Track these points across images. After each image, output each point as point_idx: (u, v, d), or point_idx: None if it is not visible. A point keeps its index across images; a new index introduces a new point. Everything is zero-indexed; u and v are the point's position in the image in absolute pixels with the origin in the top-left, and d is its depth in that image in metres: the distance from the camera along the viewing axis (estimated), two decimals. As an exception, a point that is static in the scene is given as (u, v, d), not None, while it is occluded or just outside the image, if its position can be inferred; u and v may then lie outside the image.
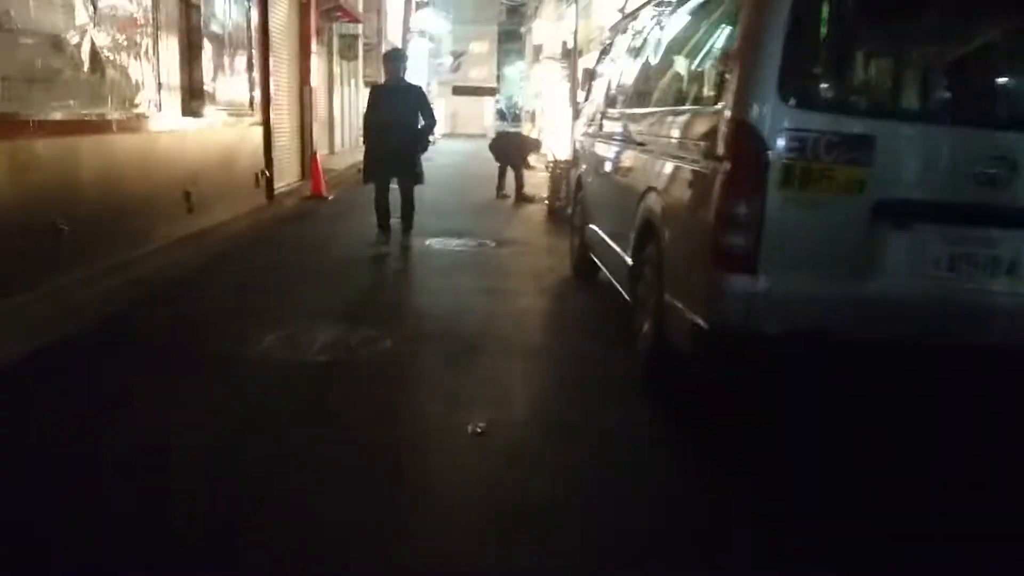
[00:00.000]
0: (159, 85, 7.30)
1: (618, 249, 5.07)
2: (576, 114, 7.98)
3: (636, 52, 5.31)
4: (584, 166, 6.76)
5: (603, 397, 4.14)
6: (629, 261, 4.71)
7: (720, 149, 3.27)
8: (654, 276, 4.13)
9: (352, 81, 22.75)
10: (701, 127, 3.53)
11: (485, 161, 22.24)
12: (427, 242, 8.46)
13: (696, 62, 4.01)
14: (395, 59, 8.28)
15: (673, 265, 3.84)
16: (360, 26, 21.72)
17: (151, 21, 7.12)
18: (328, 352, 4.69)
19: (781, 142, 3.10)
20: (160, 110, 7.35)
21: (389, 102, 7.85)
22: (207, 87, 8.46)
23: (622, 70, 5.64)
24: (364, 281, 6.79)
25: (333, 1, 16.44)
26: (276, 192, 11.47)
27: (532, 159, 14.29)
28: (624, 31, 5.99)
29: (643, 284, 4.43)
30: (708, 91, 3.64)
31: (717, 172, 3.27)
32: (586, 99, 7.54)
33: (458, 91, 46.21)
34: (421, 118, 7.91)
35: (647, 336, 4.30)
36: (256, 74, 10.42)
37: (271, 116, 11.07)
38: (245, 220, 9.32)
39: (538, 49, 34.74)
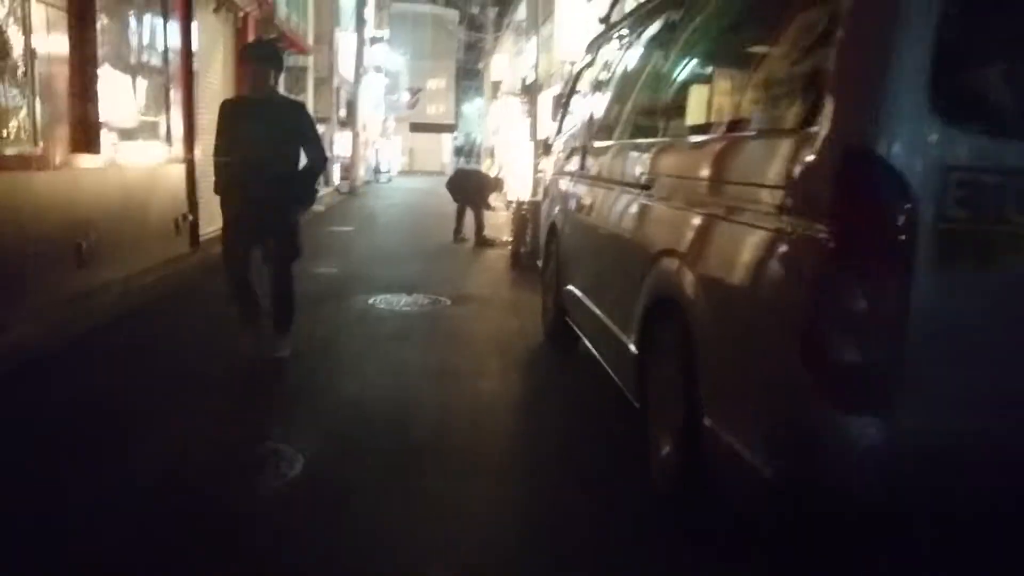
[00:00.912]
0: (34, 116, 5.81)
1: (613, 327, 3.72)
2: (544, 149, 6.64)
3: (638, 64, 4.00)
4: (558, 211, 5.43)
5: (615, 561, 2.75)
6: (632, 348, 3.34)
7: (820, 199, 1.93)
8: (680, 381, 2.77)
9: (301, 116, 21.33)
10: (774, 162, 2.18)
11: (442, 199, 20.91)
12: (371, 300, 7.02)
13: (757, 58, 2.64)
14: (261, 58, 5.00)
15: (717, 373, 2.48)
16: (310, 58, 20.37)
17: (22, 39, 5.65)
18: (212, 483, 3.23)
19: (938, 188, 1.77)
20: (36, 145, 5.85)
21: (253, 126, 4.87)
22: (107, 119, 6.98)
23: (615, 91, 4.33)
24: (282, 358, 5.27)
25: (276, 30, 15.06)
26: (203, 238, 9.95)
27: (493, 199, 12.97)
28: (613, 41, 4.69)
29: (658, 386, 3.07)
30: (787, 104, 2.27)
31: (811, 238, 1.93)
32: (558, 132, 6.24)
33: (416, 127, 45.05)
34: (304, 154, 5.06)
35: (670, 463, 2.93)
36: (176, 105, 8.97)
37: (196, 152, 9.59)
38: (156, 273, 7.79)
39: (496, 85, 33.68)
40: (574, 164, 5.03)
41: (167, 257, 8.52)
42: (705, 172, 2.74)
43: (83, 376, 4.67)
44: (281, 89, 18.50)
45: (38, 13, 5.88)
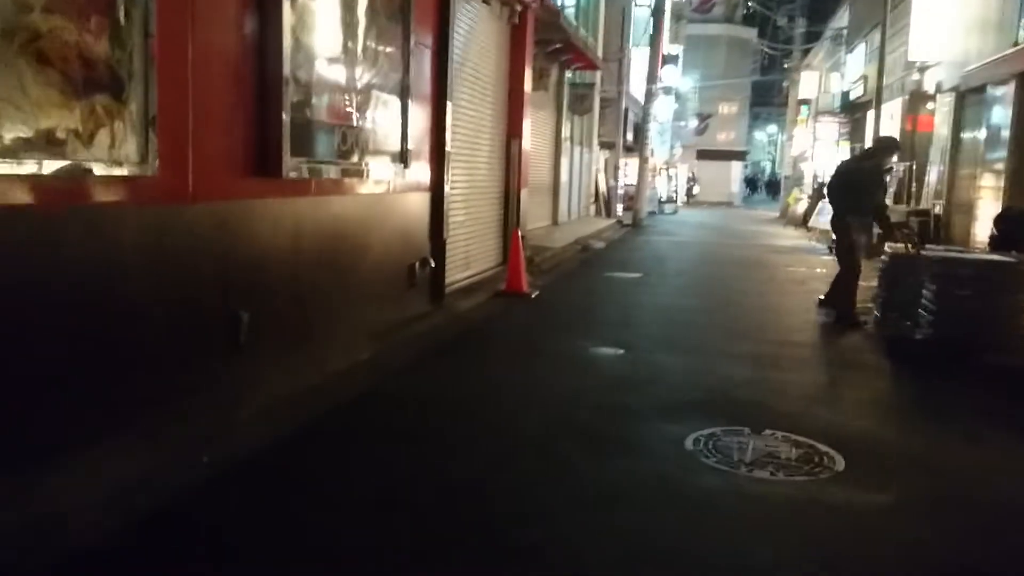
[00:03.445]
0: (146, 116, 3.39)
1: None
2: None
3: None
4: None
5: None
6: None
7: None
8: None
9: (584, 140, 18.81)
10: None
11: (743, 240, 17.40)
12: (688, 441, 3.78)
13: None
14: None
15: None
16: (598, 75, 17.81)
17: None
18: None
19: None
20: (146, 163, 3.41)
21: None
22: (298, 126, 4.54)
23: None
24: None
25: (562, 37, 12.53)
26: (449, 289, 7.43)
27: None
28: None
29: None
30: None
31: None
32: None
33: (703, 155, 41.31)
34: None
35: None
36: (419, 116, 6.49)
37: (446, 178, 7.09)
38: (373, 348, 5.25)
39: (803, 104, 29.02)
40: None
41: (390, 323, 6.01)
42: None
43: None
44: (565, 107, 15.83)
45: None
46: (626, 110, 21.30)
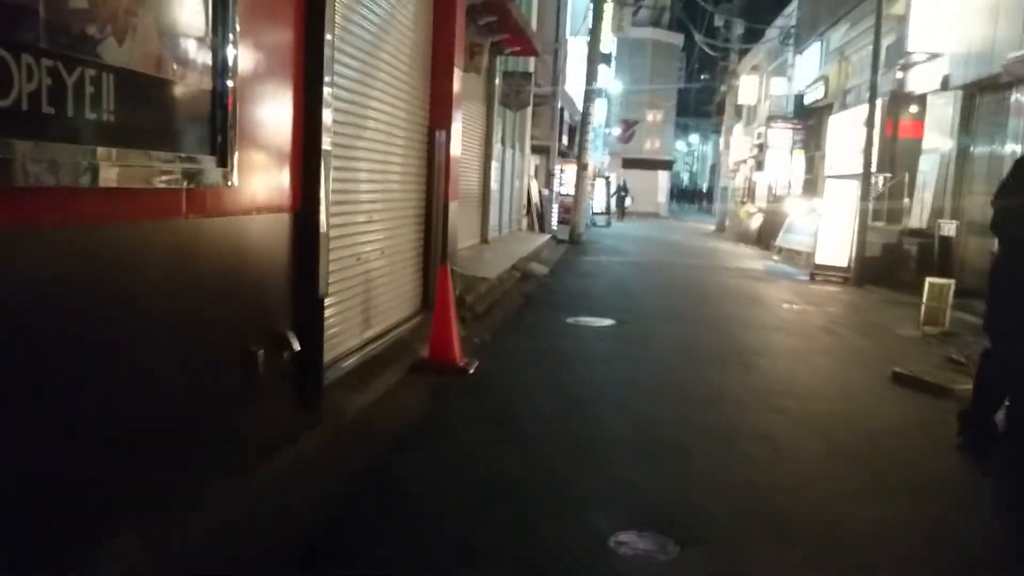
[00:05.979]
0: None
1: None
2: None
3: None
4: None
5: None
6: None
7: None
8: None
9: (516, 142, 15.79)
10: None
11: (695, 258, 14.63)
12: None
13: None
14: None
15: None
16: (532, 63, 14.82)
17: None
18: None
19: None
20: None
21: None
22: None
23: None
24: None
25: (498, 5, 9.48)
26: (337, 368, 4.28)
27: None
28: None
29: None
30: None
31: None
32: None
33: (629, 164, 39.03)
34: None
35: None
36: (264, 83, 3.33)
37: (322, 193, 3.92)
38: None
39: (740, 111, 26.85)
40: None
41: (221, 463, 2.83)
42: None
43: None
44: (496, 101, 12.14)
45: None
46: (561, 110, 18.44)
